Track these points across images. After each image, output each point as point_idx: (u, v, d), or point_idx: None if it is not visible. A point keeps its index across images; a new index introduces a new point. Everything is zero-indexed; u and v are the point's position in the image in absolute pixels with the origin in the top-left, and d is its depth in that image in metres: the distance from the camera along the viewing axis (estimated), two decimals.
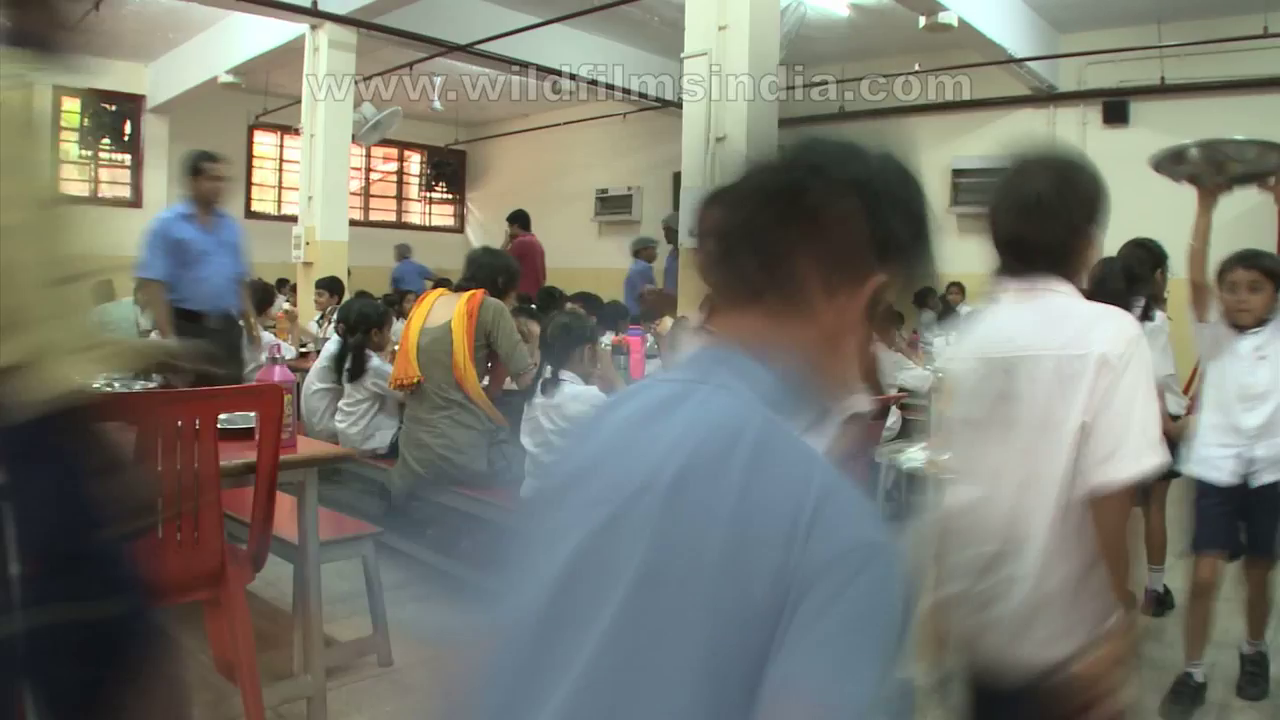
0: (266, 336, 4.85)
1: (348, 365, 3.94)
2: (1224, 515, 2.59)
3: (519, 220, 8.32)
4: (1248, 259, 2.68)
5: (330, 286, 6.54)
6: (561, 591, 0.73)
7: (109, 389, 3.22)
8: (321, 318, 6.44)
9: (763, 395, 0.77)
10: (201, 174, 4.44)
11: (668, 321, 4.30)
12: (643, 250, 8.48)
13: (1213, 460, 2.62)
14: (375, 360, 3.96)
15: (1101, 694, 1.28)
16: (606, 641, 0.69)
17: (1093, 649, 1.31)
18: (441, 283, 5.52)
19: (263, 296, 5.59)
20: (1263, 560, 2.63)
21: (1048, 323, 1.40)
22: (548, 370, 3.07)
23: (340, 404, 4.08)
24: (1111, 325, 1.38)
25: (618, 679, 0.69)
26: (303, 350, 5.73)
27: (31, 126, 1.43)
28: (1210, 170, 2.79)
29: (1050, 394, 1.35)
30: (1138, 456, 1.28)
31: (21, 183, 1.36)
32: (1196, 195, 2.83)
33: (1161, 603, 3.41)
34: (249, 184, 11.34)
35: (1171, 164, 2.94)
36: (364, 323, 3.98)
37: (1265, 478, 2.53)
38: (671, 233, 7.41)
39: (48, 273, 1.39)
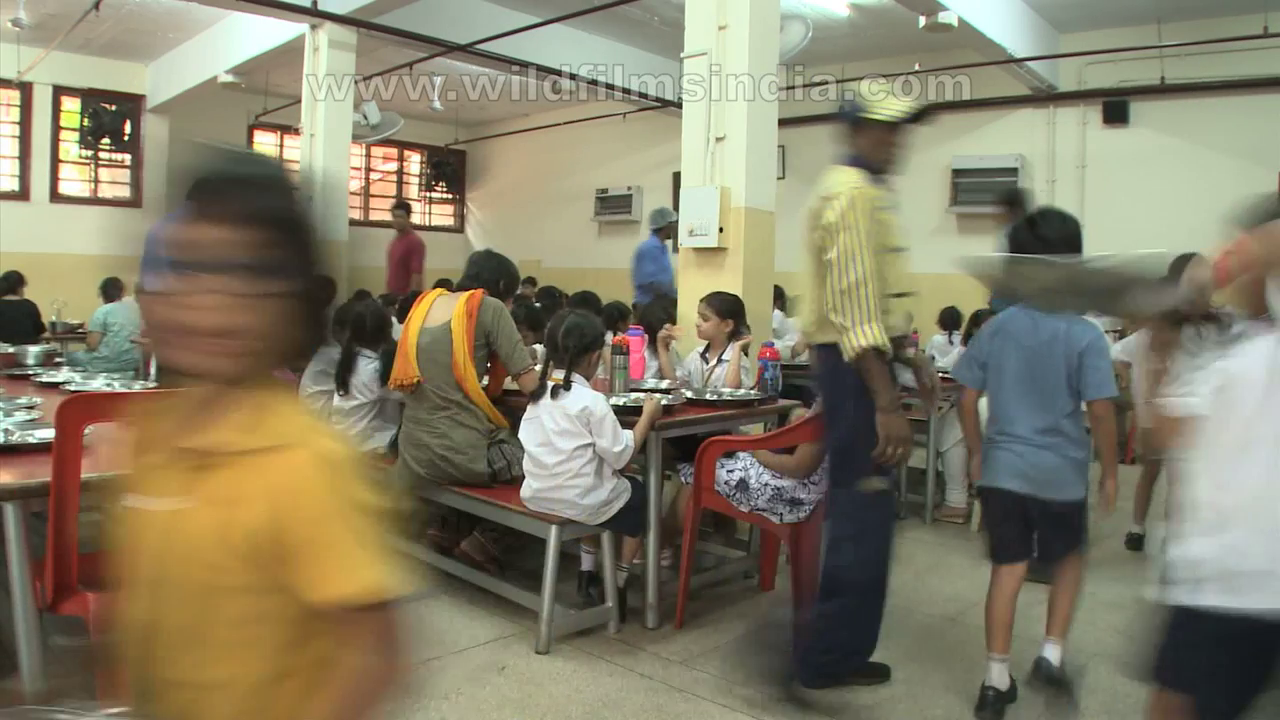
0: None
1: (378, 370, 3.92)
2: None
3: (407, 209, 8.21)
4: None
5: None
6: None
7: (109, 389, 3.23)
8: None
9: None
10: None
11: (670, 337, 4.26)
12: (664, 228, 7.26)
13: None
14: (363, 361, 3.92)
15: None
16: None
17: None
18: (442, 283, 5.51)
19: None
20: None
21: None
22: (559, 373, 3.06)
23: (336, 403, 4.06)
24: None
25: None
26: None
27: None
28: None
29: None
30: None
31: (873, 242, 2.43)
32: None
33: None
34: None
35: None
36: (373, 321, 3.97)
37: None
38: (666, 227, 7.34)
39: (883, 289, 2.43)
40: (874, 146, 2.58)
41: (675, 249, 7.21)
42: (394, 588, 0.88)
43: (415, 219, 13.01)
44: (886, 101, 2.57)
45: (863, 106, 2.57)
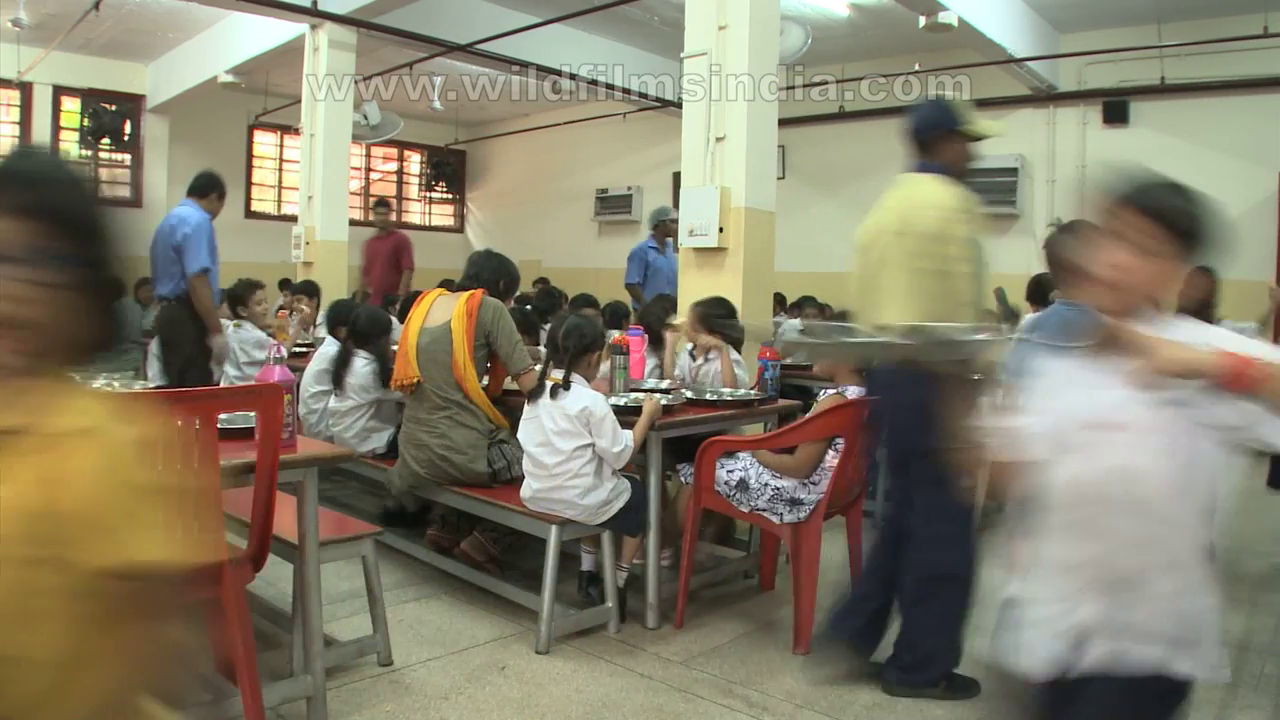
0: (246, 334, 4.96)
1: (375, 372, 3.94)
2: None
3: (389, 206, 8.10)
4: None
5: (308, 291, 6.28)
6: None
7: (109, 389, 3.23)
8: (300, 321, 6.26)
9: None
10: (223, 197, 4.92)
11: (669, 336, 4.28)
12: (657, 226, 7.13)
13: None
14: (359, 362, 3.94)
15: None
16: None
17: None
18: (444, 283, 5.50)
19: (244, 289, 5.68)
20: None
21: None
22: (558, 373, 3.06)
23: (332, 404, 4.07)
24: None
25: None
26: (299, 350, 5.72)
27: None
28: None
29: None
30: None
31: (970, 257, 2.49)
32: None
33: None
34: (249, 184, 11.35)
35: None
36: (374, 329, 3.98)
37: None
38: (662, 227, 7.34)
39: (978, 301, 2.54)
40: (958, 157, 2.64)
41: (675, 248, 7.28)
42: (169, 562, 0.91)
43: (415, 219, 13.06)
44: (975, 116, 2.65)
45: (958, 119, 2.63)
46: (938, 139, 2.63)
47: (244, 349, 4.87)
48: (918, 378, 2.29)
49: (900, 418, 2.59)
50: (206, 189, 4.83)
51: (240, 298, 5.10)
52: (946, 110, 2.65)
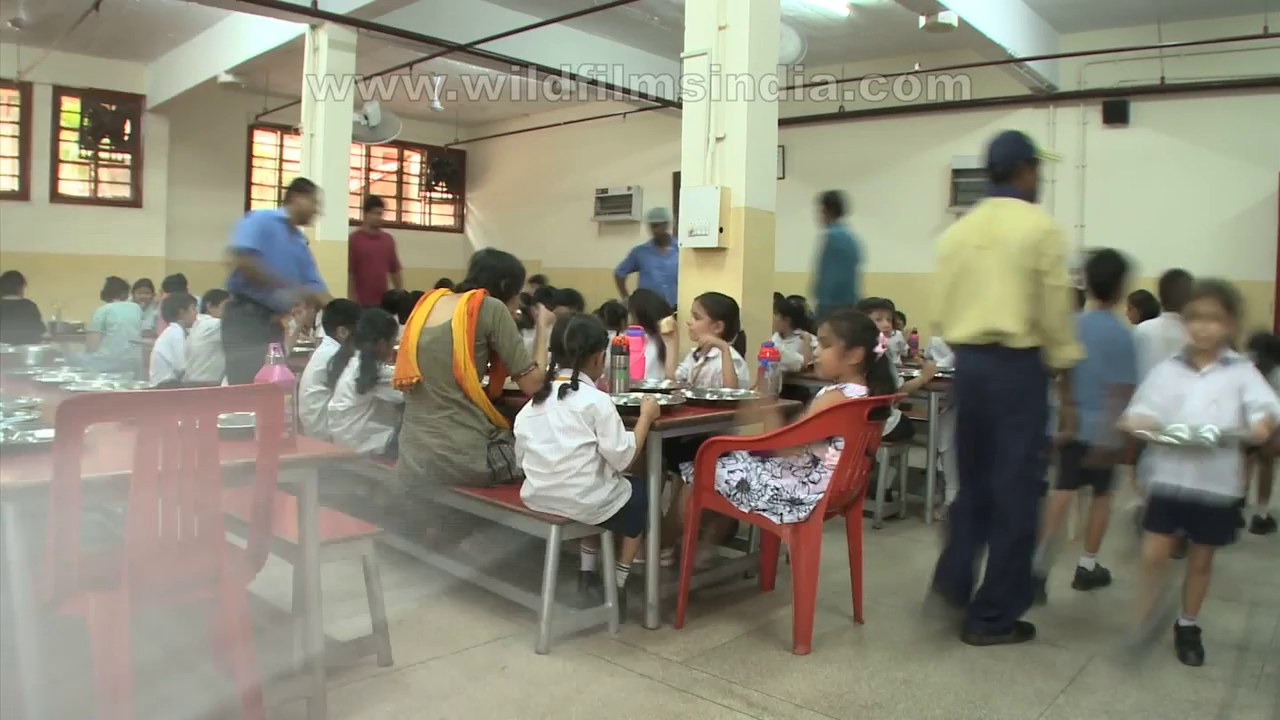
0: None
1: (357, 375, 3.92)
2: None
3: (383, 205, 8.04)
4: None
5: None
6: None
7: (109, 389, 3.23)
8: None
9: None
10: (305, 193, 5.07)
11: (665, 322, 4.29)
12: (653, 227, 7.41)
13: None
14: (355, 363, 3.96)
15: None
16: None
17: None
18: (443, 283, 5.51)
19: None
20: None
21: None
22: (564, 374, 3.06)
23: (330, 405, 4.07)
24: None
25: None
26: (299, 350, 5.72)
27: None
28: None
29: None
30: None
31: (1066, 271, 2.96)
32: None
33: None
34: (249, 184, 11.35)
35: None
36: (371, 331, 3.97)
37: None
38: (654, 229, 7.39)
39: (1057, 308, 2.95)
40: (1032, 183, 3.11)
41: (660, 249, 7.35)
42: None
43: (415, 219, 13.07)
44: (1042, 146, 3.18)
45: (1033, 150, 3.10)
46: (1016, 168, 3.05)
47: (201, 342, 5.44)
48: (1035, 371, 2.99)
49: (1016, 405, 3.01)
50: (288, 195, 5.11)
51: (214, 300, 5.60)
52: (1023, 142, 3.09)
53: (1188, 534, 2.98)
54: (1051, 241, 2.91)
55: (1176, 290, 4.01)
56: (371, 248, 7.48)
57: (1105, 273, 3.57)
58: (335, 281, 6.95)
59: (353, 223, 7.81)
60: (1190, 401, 2.82)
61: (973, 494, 3.16)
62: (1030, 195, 3.06)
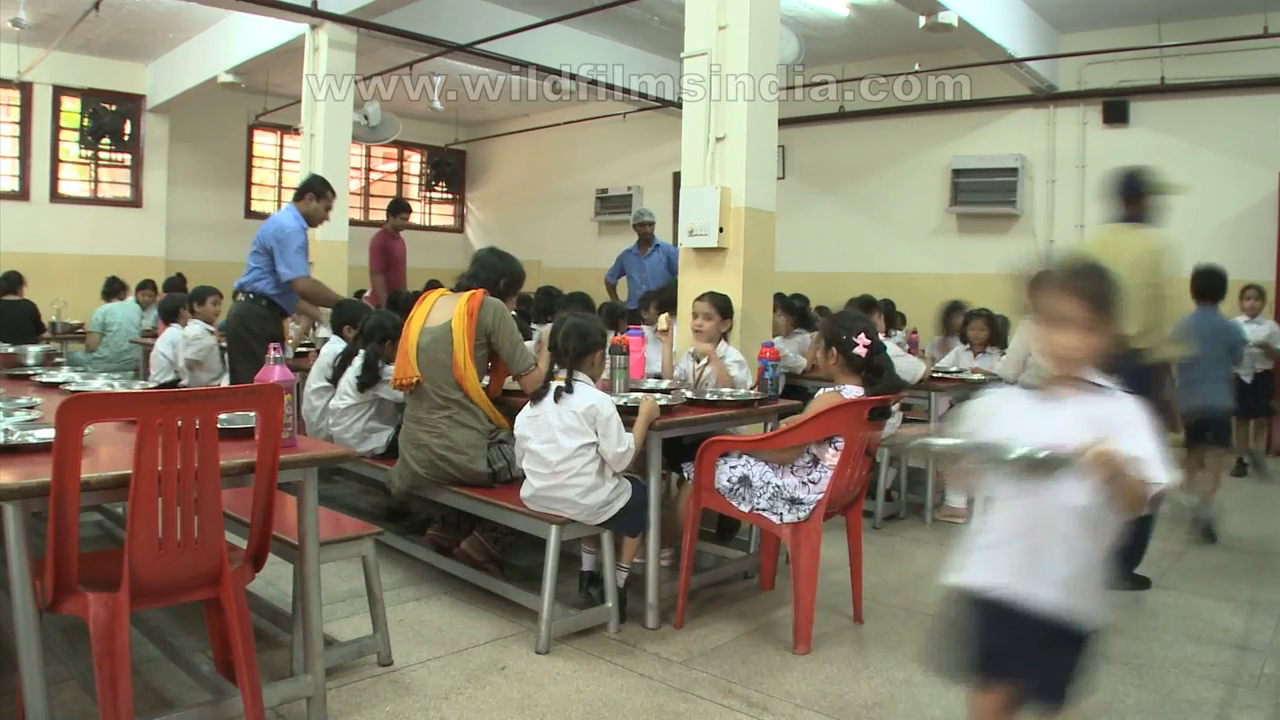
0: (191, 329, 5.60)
1: (359, 374, 3.93)
2: None
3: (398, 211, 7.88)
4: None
5: None
6: None
7: (109, 389, 3.23)
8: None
9: None
10: (322, 198, 4.98)
11: (662, 320, 4.29)
12: (636, 227, 7.58)
13: None
14: (389, 370, 3.97)
15: None
16: None
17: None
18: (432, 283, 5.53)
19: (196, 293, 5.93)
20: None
21: None
22: (561, 374, 3.06)
23: (331, 404, 4.07)
24: None
25: None
26: (301, 350, 5.73)
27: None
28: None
29: None
30: None
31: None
32: None
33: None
34: (249, 184, 11.34)
35: None
36: (379, 332, 3.98)
37: None
38: (640, 229, 7.44)
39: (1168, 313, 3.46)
40: (1153, 210, 3.63)
41: (641, 250, 7.40)
42: None
43: (416, 219, 13.05)
44: (1163, 178, 3.69)
45: (1155, 182, 3.65)
46: (1136, 197, 3.61)
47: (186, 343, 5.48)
48: (1146, 367, 3.45)
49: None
50: (301, 191, 4.99)
51: (199, 298, 5.73)
52: (1143, 178, 3.65)
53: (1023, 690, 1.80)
54: (1160, 258, 3.48)
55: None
56: (402, 250, 7.60)
57: (1206, 282, 4.71)
58: (335, 282, 6.96)
59: (373, 223, 7.85)
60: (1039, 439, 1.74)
61: None
62: (1150, 220, 3.62)
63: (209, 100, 9.70)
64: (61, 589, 1.86)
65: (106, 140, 10.13)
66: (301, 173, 7.40)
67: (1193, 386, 4.43)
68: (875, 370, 3.13)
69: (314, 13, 6.79)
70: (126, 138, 10.26)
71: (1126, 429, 1.65)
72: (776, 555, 3.63)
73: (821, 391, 3.18)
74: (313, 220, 4.94)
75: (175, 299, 6.38)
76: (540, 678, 2.73)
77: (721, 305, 3.97)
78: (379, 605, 2.78)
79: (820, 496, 2.99)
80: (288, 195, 5.04)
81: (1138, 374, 3.46)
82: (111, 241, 9.95)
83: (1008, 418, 1.77)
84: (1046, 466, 1.58)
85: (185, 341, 5.56)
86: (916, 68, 8.01)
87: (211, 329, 5.56)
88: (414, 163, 13.03)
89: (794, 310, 5.45)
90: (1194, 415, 4.51)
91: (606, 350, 3.30)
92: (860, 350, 3.10)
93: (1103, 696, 2.69)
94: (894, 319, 6.82)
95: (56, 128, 9.82)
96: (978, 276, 8.05)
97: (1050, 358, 1.74)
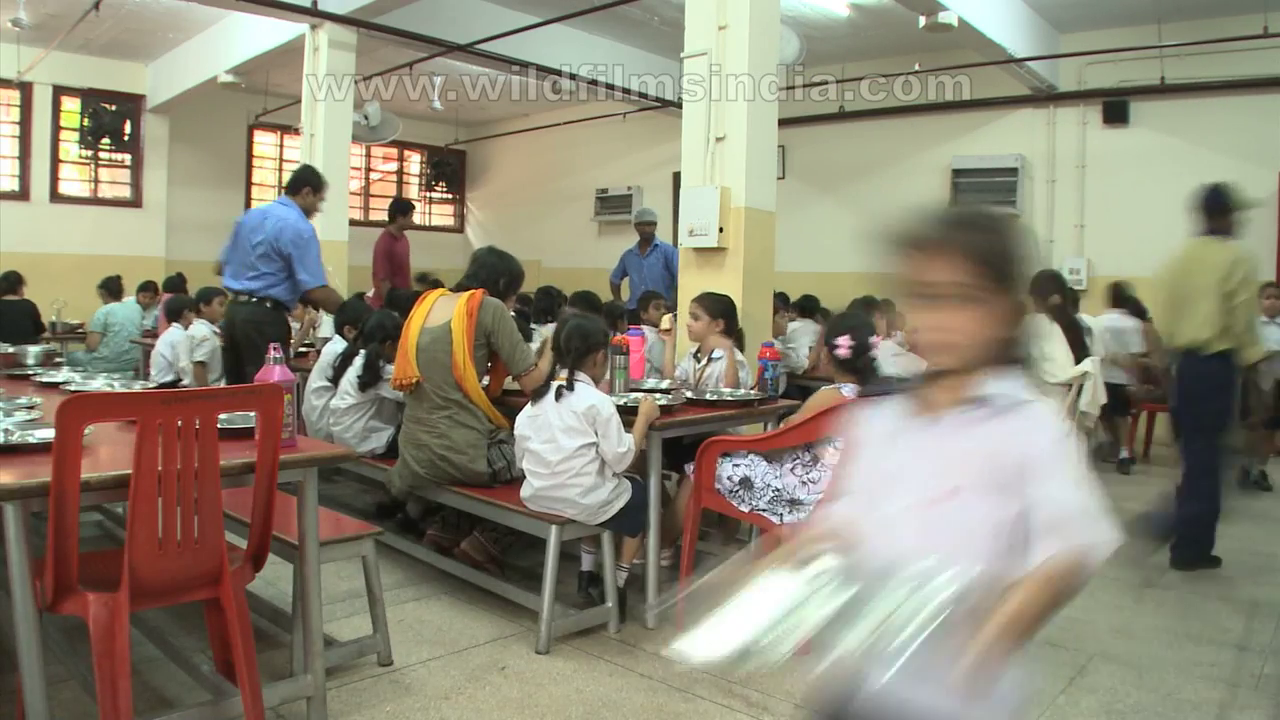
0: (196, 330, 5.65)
1: (360, 374, 3.93)
2: None
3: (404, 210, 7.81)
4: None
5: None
6: None
7: (109, 389, 3.23)
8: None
9: None
10: (318, 192, 4.80)
11: (666, 320, 4.30)
12: (638, 227, 7.57)
13: None
14: (390, 369, 3.97)
15: None
16: None
17: None
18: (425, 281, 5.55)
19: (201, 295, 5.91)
20: None
21: None
22: (562, 374, 3.07)
23: (332, 404, 4.07)
24: None
25: None
26: (303, 350, 5.73)
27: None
28: None
29: None
30: None
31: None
32: None
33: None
34: (249, 184, 11.34)
35: None
36: (379, 332, 3.98)
37: None
38: (642, 228, 7.44)
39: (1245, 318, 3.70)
40: (1235, 225, 3.90)
41: (641, 250, 7.41)
42: None
43: (415, 219, 13.04)
44: (1244, 195, 3.96)
45: (1237, 199, 3.91)
46: (1224, 212, 3.87)
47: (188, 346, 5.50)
48: (1223, 370, 3.75)
49: (1212, 400, 3.80)
50: (298, 184, 4.74)
51: (205, 299, 5.74)
52: (1227, 194, 3.90)
53: None
54: (1239, 268, 3.73)
55: None
56: (405, 251, 7.61)
57: None
58: (335, 282, 6.96)
59: (373, 223, 7.85)
60: (904, 485, 1.19)
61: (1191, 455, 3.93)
62: (1232, 233, 3.88)
63: (209, 100, 9.70)
64: (61, 589, 1.86)
65: (106, 140, 10.12)
66: None
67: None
68: (858, 371, 3.12)
69: (314, 13, 6.79)
70: (126, 138, 10.26)
71: (1039, 466, 1.09)
72: None
73: (822, 389, 3.18)
74: (309, 214, 4.74)
75: (181, 299, 6.38)
76: (540, 678, 2.73)
77: (710, 306, 3.96)
78: (379, 605, 2.78)
79: (820, 496, 2.99)
80: (304, 193, 4.87)
81: (1219, 376, 3.79)
82: (111, 241, 9.95)
83: (880, 446, 1.24)
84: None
85: (194, 343, 5.56)
86: (916, 68, 8.01)
87: (217, 330, 5.53)
88: (414, 163, 13.03)
89: (803, 309, 5.53)
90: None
91: (609, 351, 3.30)
92: (842, 351, 3.09)
93: (1103, 697, 2.69)
94: (894, 319, 6.83)
95: (56, 128, 9.82)
96: None
97: (919, 349, 1.20)
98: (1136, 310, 6.33)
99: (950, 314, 1.13)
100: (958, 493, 1.13)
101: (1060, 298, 4.89)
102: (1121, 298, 6.49)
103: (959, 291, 1.12)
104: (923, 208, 1.21)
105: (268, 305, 4.54)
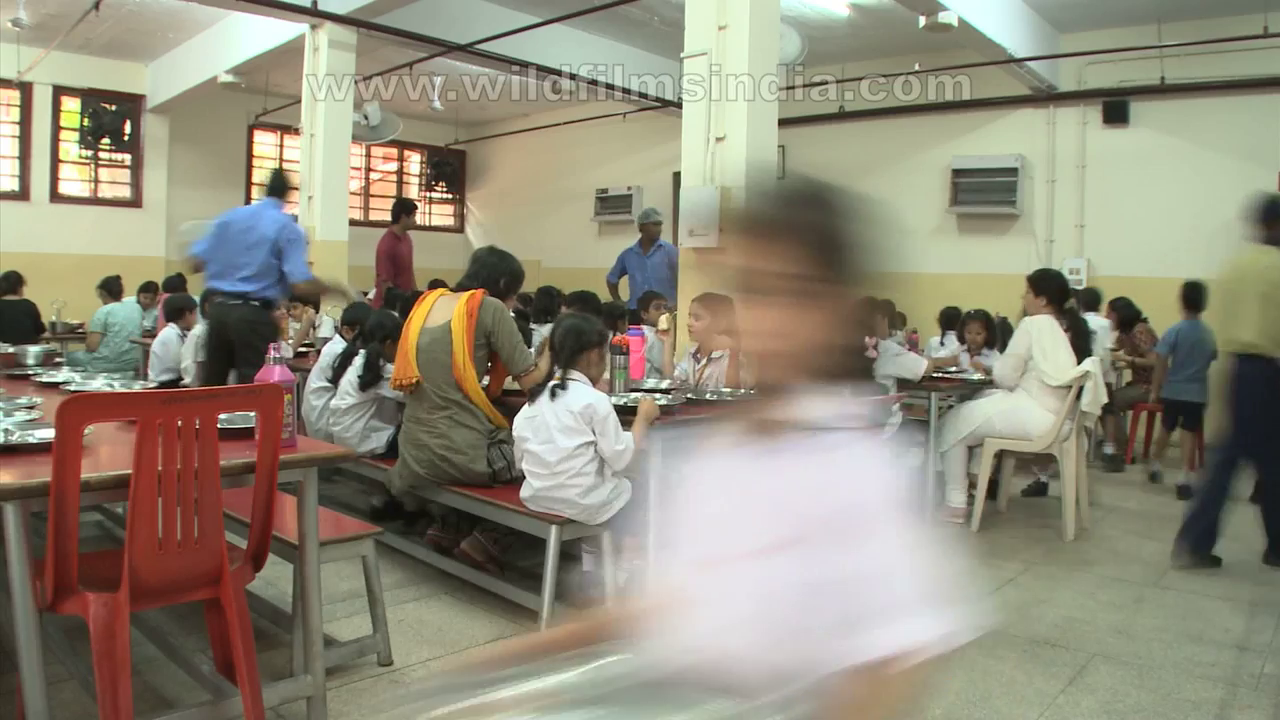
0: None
1: (360, 374, 3.94)
2: None
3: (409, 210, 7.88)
4: None
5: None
6: None
7: (109, 389, 3.23)
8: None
9: None
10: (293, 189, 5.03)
11: (664, 320, 4.30)
12: (640, 228, 7.63)
13: None
14: (359, 361, 3.98)
15: None
16: None
17: None
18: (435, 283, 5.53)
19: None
20: None
21: None
22: (557, 373, 3.07)
23: (332, 404, 4.07)
24: None
25: None
26: (302, 350, 5.73)
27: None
28: None
29: None
30: None
31: None
32: None
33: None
34: (249, 184, 11.34)
35: None
36: (379, 332, 3.98)
37: None
38: (647, 228, 7.44)
39: None
40: None
41: (643, 249, 7.41)
42: None
43: (415, 219, 13.05)
44: None
45: None
46: (1272, 221, 3.95)
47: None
48: (1266, 372, 3.85)
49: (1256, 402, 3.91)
50: (283, 188, 4.89)
51: (208, 299, 5.53)
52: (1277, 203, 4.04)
53: None
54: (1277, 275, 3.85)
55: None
56: (408, 252, 7.62)
57: (1192, 293, 5.41)
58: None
59: (374, 223, 7.86)
60: (720, 533, 1.03)
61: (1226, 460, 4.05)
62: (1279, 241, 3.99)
63: (209, 100, 9.70)
64: (61, 589, 1.86)
65: (106, 140, 10.12)
66: (302, 173, 7.41)
67: (1175, 387, 5.60)
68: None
69: (314, 13, 6.79)
70: (126, 138, 10.25)
71: (865, 525, 0.89)
72: None
73: None
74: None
75: (181, 299, 6.38)
76: None
77: (713, 307, 3.97)
78: (379, 605, 2.78)
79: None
80: (288, 196, 4.94)
81: (1266, 379, 3.91)
82: (111, 241, 9.94)
83: (690, 501, 1.05)
84: None
85: (199, 343, 5.53)
86: (916, 68, 8.01)
87: None
88: (414, 163, 13.02)
89: None
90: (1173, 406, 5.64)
91: (605, 350, 3.30)
92: None
93: (1103, 696, 2.69)
94: (894, 319, 6.83)
95: (56, 128, 9.82)
96: (978, 277, 8.05)
97: (748, 356, 1.03)
98: (1128, 315, 6.51)
99: (778, 312, 0.95)
100: (776, 546, 0.92)
101: (1069, 300, 4.87)
102: (1092, 301, 6.69)
103: (787, 285, 0.94)
104: (760, 181, 1.01)
105: (257, 305, 4.61)
